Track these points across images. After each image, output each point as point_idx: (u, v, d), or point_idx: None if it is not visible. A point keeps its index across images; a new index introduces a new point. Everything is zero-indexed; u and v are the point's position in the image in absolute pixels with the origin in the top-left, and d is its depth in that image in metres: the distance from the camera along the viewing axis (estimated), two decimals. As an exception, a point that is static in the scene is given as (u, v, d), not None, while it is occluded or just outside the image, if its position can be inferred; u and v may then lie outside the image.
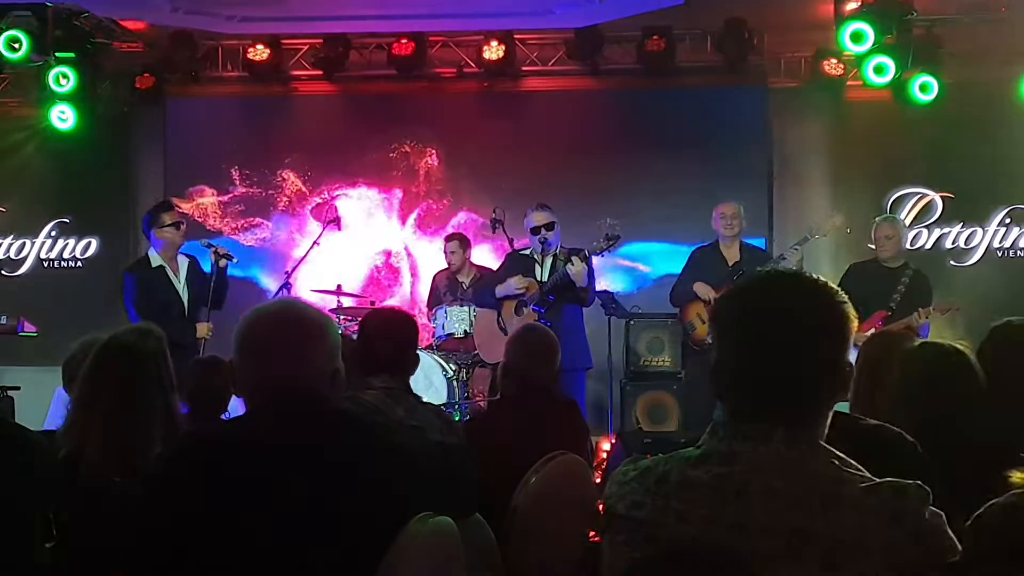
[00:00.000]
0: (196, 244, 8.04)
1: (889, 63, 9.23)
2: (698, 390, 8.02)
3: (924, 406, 3.28)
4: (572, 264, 7.53)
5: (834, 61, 9.78)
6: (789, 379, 1.94)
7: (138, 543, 2.33)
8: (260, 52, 10.16)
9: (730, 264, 8.12)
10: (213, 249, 7.68)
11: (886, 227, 8.24)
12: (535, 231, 7.88)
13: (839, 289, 2.03)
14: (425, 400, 4.09)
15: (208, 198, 10.49)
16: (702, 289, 8.09)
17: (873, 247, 8.44)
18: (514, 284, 7.89)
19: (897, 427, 3.19)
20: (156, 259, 7.62)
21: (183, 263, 7.71)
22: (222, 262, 7.63)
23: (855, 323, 2.02)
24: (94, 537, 2.79)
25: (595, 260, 7.83)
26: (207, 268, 7.69)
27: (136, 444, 3.11)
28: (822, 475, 1.87)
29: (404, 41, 10.03)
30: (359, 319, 8.29)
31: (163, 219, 7.63)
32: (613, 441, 8.10)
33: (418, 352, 4.17)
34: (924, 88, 9.32)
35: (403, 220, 10.59)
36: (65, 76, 9.60)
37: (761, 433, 1.92)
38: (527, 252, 8.07)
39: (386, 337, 4.02)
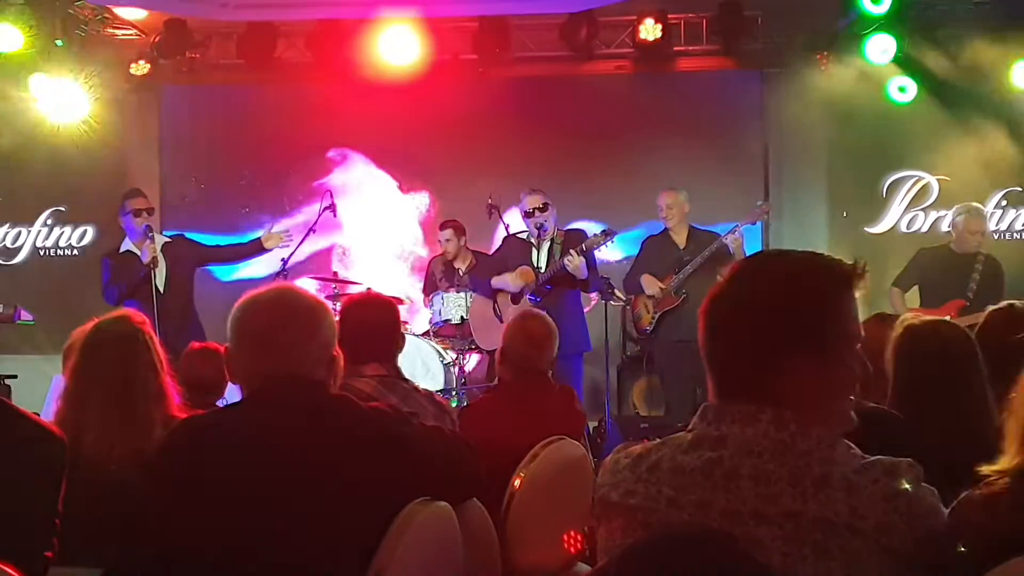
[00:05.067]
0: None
1: (892, 42, 9.18)
2: (673, 375, 8.04)
3: (920, 388, 3.27)
4: (570, 258, 7.52)
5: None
6: (773, 362, 1.92)
7: (135, 531, 2.33)
8: (253, 39, 10.15)
9: (681, 248, 8.11)
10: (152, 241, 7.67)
11: (973, 222, 8.00)
12: (529, 215, 7.89)
13: (822, 266, 1.99)
14: (419, 386, 4.08)
15: None
16: (648, 283, 8.09)
17: (952, 234, 8.26)
18: (510, 282, 7.89)
19: (895, 410, 3.20)
20: (126, 244, 7.85)
21: (158, 243, 7.76)
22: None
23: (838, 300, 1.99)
24: (93, 525, 2.80)
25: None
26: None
27: (136, 428, 3.12)
28: (813, 456, 1.86)
29: (398, 27, 10.00)
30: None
31: (126, 206, 7.86)
32: (609, 426, 8.12)
33: (404, 334, 4.16)
34: (901, 90, 9.34)
35: (399, 206, 10.58)
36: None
37: (749, 415, 1.91)
38: (524, 236, 8.07)
39: (370, 325, 3.98)
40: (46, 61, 9.53)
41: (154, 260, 7.54)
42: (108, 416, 3.13)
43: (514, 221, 8.54)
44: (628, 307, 8.55)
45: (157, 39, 10.19)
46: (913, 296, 8.12)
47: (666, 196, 8.19)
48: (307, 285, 8.63)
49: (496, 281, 7.99)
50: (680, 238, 8.16)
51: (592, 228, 8.13)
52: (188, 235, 8.35)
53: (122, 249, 7.87)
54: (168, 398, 3.28)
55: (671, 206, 8.14)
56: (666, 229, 8.23)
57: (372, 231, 10.55)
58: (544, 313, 4.95)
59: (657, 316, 7.98)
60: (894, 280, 7.98)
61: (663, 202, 8.17)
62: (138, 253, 7.71)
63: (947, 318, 7.02)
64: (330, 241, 10.19)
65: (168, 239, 7.92)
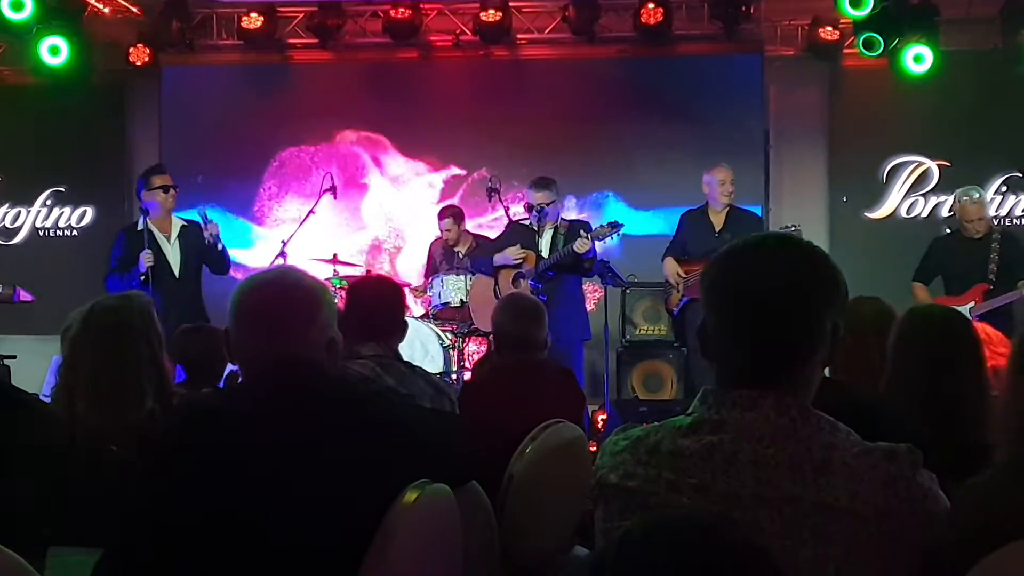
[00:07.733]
0: (192, 212, 8.08)
1: (879, 38, 9.17)
2: (698, 365, 8.06)
3: (915, 375, 3.26)
4: (583, 241, 7.52)
5: (830, 28, 9.75)
6: (776, 345, 1.93)
7: (135, 514, 2.33)
8: (254, 20, 10.13)
9: (716, 231, 8.03)
10: (207, 228, 7.62)
11: (971, 209, 7.84)
12: (529, 209, 7.96)
13: (825, 252, 2.01)
14: (416, 367, 4.08)
15: None
16: (669, 267, 8.10)
17: (961, 220, 8.10)
18: (511, 255, 7.90)
19: (893, 395, 3.20)
20: (143, 223, 7.68)
21: (176, 226, 7.72)
22: (209, 239, 7.62)
23: (844, 286, 1.99)
24: (92, 506, 2.80)
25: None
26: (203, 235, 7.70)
27: (125, 395, 3.13)
28: (813, 441, 1.87)
29: (399, 9, 9.98)
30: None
31: (153, 182, 7.72)
32: (609, 410, 8.13)
33: (406, 320, 4.17)
34: (917, 59, 9.25)
35: (400, 188, 10.56)
36: (56, 49, 9.47)
37: (750, 400, 1.91)
38: (527, 222, 8.07)
39: (374, 305, 4.00)
40: (46, 40, 9.48)
41: (149, 271, 7.37)
42: (97, 380, 3.14)
43: (514, 204, 8.56)
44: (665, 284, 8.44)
45: (158, 19, 10.16)
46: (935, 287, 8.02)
47: (724, 172, 8.03)
48: (309, 267, 8.63)
49: (498, 257, 8.00)
50: (718, 219, 8.07)
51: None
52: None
53: (140, 227, 7.69)
54: (161, 372, 3.29)
55: (733, 181, 8.04)
56: (704, 206, 8.16)
57: (367, 213, 10.55)
58: (529, 294, 4.98)
59: (685, 301, 7.98)
60: (914, 275, 7.86)
61: (726, 177, 8.02)
62: (155, 232, 7.62)
63: (971, 304, 7.03)
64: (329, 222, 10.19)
65: (185, 223, 7.81)
